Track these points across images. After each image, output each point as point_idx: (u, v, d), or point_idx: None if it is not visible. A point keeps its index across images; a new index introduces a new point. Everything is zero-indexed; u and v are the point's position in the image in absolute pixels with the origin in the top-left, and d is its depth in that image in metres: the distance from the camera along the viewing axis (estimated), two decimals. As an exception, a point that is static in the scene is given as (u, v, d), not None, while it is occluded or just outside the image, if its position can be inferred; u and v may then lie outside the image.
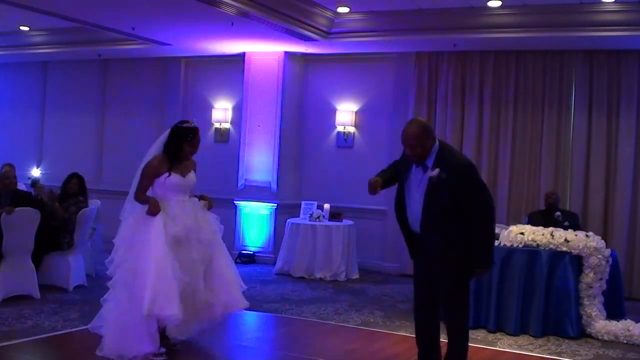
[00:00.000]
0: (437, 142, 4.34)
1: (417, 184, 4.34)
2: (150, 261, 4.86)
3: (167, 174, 5.10)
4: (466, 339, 4.41)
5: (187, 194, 5.26)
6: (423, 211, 4.33)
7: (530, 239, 6.60)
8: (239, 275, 5.46)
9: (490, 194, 4.36)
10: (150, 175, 5.13)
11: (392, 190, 10.53)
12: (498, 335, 6.31)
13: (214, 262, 5.23)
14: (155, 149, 5.25)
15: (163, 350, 5.01)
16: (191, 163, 5.32)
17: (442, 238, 4.28)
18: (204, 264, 5.15)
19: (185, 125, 5.22)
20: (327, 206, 9.42)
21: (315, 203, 9.51)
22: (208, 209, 5.35)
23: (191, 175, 5.26)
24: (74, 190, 7.73)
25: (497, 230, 6.69)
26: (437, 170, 4.22)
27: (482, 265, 4.28)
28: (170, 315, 4.82)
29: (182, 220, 5.07)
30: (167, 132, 5.27)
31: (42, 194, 7.68)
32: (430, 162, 4.27)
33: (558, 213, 7.46)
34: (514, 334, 6.33)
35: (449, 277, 4.31)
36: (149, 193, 5.18)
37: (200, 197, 5.38)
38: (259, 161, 10.14)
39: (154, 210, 5.01)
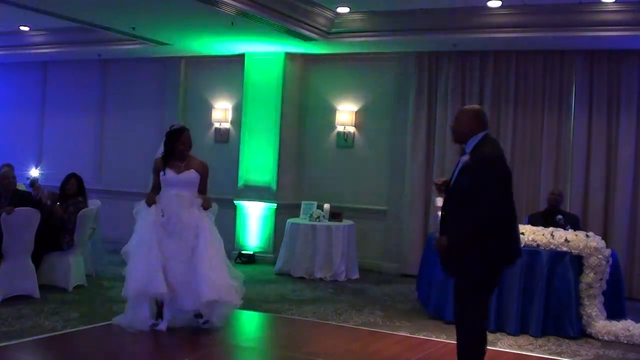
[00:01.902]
0: (484, 134, 4.36)
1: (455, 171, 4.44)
2: (137, 245, 5.82)
3: (162, 171, 5.96)
4: (465, 333, 4.36)
5: (185, 189, 5.96)
6: (447, 195, 4.37)
7: (530, 239, 6.60)
8: (210, 282, 5.74)
9: (493, 203, 4.11)
10: (154, 172, 6.05)
11: (394, 190, 10.56)
12: (498, 335, 6.31)
13: (193, 257, 5.82)
14: (158, 152, 6.11)
15: (154, 322, 5.82)
16: (197, 164, 6.04)
17: (462, 228, 4.28)
18: (186, 254, 5.82)
19: (172, 127, 6.07)
20: (327, 206, 9.41)
21: (315, 203, 9.50)
22: (204, 208, 5.97)
23: (188, 174, 5.97)
24: (72, 190, 7.72)
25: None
26: (467, 156, 4.30)
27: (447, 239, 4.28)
28: (156, 293, 5.68)
29: (167, 211, 5.88)
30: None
31: (42, 195, 7.68)
32: (468, 148, 4.34)
33: (560, 216, 7.42)
34: (514, 334, 6.33)
35: (459, 270, 4.32)
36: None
37: (203, 197, 6.03)
38: (259, 161, 10.14)
39: (147, 202, 5.97)
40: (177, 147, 5.95)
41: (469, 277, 4.28)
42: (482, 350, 4.36)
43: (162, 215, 5.85)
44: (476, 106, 4.84)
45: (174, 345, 5.58)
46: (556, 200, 7.80)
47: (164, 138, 6.04)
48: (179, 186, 5.93)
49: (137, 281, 5.68)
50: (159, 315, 5.88)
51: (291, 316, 6.80)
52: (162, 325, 5.78)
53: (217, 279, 5.77)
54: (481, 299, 4.34)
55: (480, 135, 4.35)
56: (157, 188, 6.02)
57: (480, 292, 4.32)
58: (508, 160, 8.93)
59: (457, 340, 4.42)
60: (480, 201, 4.14)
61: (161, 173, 5.95)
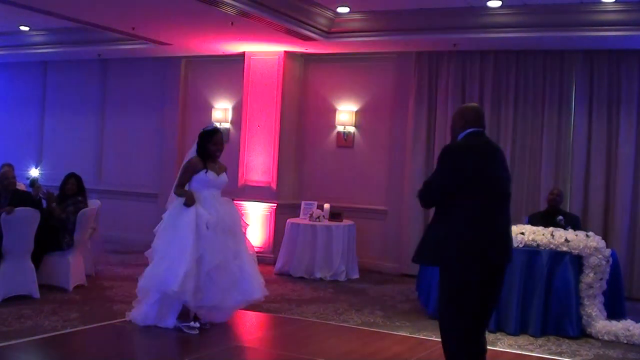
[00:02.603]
0: (471, 131, 4.21)
1: None
2: (177, 246, 5.75)
3: (204, 170, 5.97)
4: (446, 341, 4.22)
5: (219, 191, 6.13)
6: None
7: (530, 238, 6.60)
8: (257, 282, 6.21)
9: (435, 184, 4.11)
10: (189, 171, 6.02)
11: (394, 190, 10.56)
12: (498, 335, 6.31)
13: (240, 254, 6.05)
14: (191, 153, 6.15)
15: (195, 324, 5.82)
16: (223, 167, 6.23)
17: (433, 226, 4.25)
18: (235, 255, 5.99)
19: (205, 129, 6.18)
20: (327, 206, 9.41)
21: (315, 203, 9.50)
22: None
23: (224, 176, 6.18)
24: (72, 190, 7.72)
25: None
26: None
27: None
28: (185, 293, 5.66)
29: (215, 211, 5.93)
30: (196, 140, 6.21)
31: (43, 194, 7.67)
32: None
33: (560, 217, 7.40)
34: (514, 334, 6.33)
35: (440, 277, 4.26)
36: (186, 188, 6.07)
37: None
38: (259, 161, 10.14)
39: (190, 202, 5.89)
40: (210, 148, 6.03)
41: (448, 275, 4.13)
42: (471, 353, 4.25)
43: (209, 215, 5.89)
44: (471, 104, 4.74)
45: (174, 345, 5.58)
46: (555, 200, 7.78)
47: (197, 139, 6.11)
48: (217, 187, 6.08)
49: (156, 276, 5.76)
50: (190, 317, 5.91)
51: (291, 316, 6.80)
52: (196, 324, 5.85)
53: (261, 280, 6.17)
54: (467, 303, 4.08)
55: (467, 131, 4.23)
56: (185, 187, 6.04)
57: (465, 294, 4.06)
58: (508, 161, 8.98)
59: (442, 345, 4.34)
60: (430, 180, 4.18)
61: (202, 173, 5.96)
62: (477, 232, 4.10)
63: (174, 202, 6.05)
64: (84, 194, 7.85)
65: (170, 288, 5.62)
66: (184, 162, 6.14)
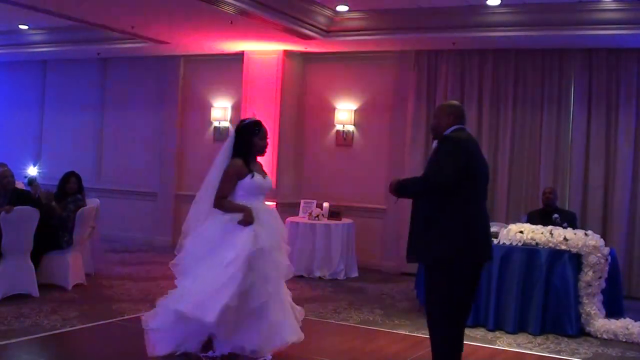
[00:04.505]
0: (457, 127, 4.33)
1: None
2: (222, 271, 4.64)
3: (250, 175, 4.89)
4: (436, 337, 4.28)
5: (265, 198, 5.05)
6: None
7: (529, 237, 6.60)
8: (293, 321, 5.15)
9: (447, 171, 4.08)
10: (234, 177, 4.88)
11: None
12: (497, 333, 6.32)
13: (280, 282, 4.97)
14: (223, 156, 5.01)
15: (213, 353, 4.88)
16: (260, 165, 5.14)
17: (421, 214, 4.26)
18: (278, 282, 4.89)
19: (245, 122, 5.04)
20: (326, 205, 9.41)
21: (315, 202, 9.50)
22: None
23: (269, 177, 5.09)
24: (73, 189, 7.73)
25: (496, 229, 6.70)
26: (435, 142, 4.36)
27: (395, 188, 4.33)
28: (208, 322, 4.61)
29: (270, 230, 4.82)
30: (232, 135, 5.08)
31: (41, 193, 7.68)
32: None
33: (556, 215, 7.40)
34: (513, 332, 6.34)
35: (426, 270, 4.30)
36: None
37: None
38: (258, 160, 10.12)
39: (249, 220, 4.76)
40: (257, 144, 4.97)
41: (440, 273, 4.21)
42: (455, 347, 4.25)
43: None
44: (452, 101, 4.83)
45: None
46: (549, 199, 7.84)
47: (235, 135, 5.02)
48: (264, 194, 5.02)
49: (190, 296, 4.70)
50: (209, 346, 4.96)
51: (290, 315, 6.79)
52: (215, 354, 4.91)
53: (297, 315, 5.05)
54: (450, 293, 4.16)
55: (454, 127, 4.33)
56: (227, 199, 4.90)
57: (455, 291, 4.16)
58: (507, 159, 9.01)
59: (430, 335, 4.36)
60: (436, 169, 4.18)
61: (248, 177, 4.88)
62: (471, 232, 4.17)
63: (217, 217, 4.89)
64: (83, 192, 7.86)
65: (205, 318, 4.59)
66: (225, 167, 4.93)
